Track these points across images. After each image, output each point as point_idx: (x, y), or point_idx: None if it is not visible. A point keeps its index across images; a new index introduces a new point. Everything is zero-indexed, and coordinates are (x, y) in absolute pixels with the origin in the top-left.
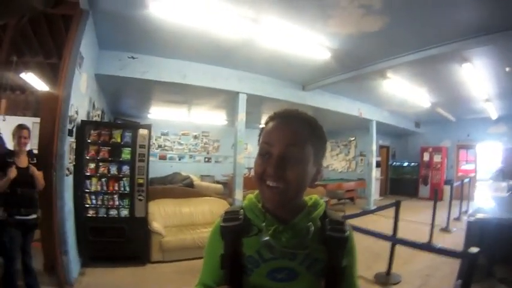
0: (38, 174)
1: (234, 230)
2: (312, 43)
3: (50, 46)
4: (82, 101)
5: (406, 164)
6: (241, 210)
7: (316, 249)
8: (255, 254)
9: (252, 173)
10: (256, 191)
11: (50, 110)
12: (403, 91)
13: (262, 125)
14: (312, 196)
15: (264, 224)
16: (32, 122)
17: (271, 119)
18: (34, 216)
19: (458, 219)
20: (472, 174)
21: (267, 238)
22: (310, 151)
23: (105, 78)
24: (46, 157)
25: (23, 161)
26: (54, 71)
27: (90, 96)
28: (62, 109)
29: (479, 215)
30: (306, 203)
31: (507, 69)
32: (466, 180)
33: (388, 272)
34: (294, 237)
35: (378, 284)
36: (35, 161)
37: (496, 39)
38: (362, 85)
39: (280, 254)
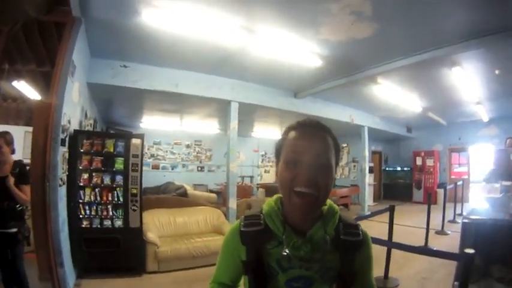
0: (14, 188)
1: (255, 235)
2: (303, 50)
3: (42, 54)
4: (74, 110)
5: (399, 168)
6: (262, 215)
7: (330, 258)
8: (274, 264)
9: (246, 181)
10: (275, 196)
11: (42, 119)
12: (394, 96)
13: (254, 133)
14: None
15: (284, 236)
16: (24, 131)
17: (293, 128)
18: (13, 230)
19: (453, 221)
20: (465, 177)
21: (287, 252)
22: (334, 159)
23: (97, 86)
24: (39, 167)
25: (5, 171)
26: (46, 79)
27: (83, 105)
28: (55, 118)
29: (474, 217)
30: (322, 209)
31: (497, 71)
32: (459, 182)
33: (386, 276)
34: (312, 249)
35: None
36: (17, 171)
37: (485, 42)
38: (353, 91)
39: (297, 265)
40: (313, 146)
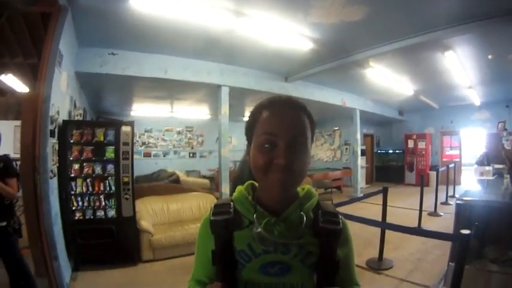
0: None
1: (224, 224)
2: (294, 34)
3: (29, 46)
4: (63, 100)
5: (391, 151)
6: (231, 203)
7: (309, 242)
8: (246, 248)
9: (237, 166)
10: (247, 183)
11: (30, 111)
12: (386, 80)
13: (245, 118)
14: (304, 186)
15: (254, 216)
16: (13, 126)
17: (264, 107)
18: (3, 223)
19: (445, 203)
20: (457, 160)
21: (259, 230)
22: (309, 138)
23: (86, 76)
24: (28, 160)
25: None
26: (34, 71)
27: (71, 95)
28: (43, 110)
29: (468, 198)
30: (298, 193)
31: (489, 56)
32: (451, 165)
33: (380, 257)
34: (287, 229)
35: (371, 270)
36: (1, 166)
37: (477, 27)
38: (345, 75)
39: (273, 247)
40: (289, 126)
